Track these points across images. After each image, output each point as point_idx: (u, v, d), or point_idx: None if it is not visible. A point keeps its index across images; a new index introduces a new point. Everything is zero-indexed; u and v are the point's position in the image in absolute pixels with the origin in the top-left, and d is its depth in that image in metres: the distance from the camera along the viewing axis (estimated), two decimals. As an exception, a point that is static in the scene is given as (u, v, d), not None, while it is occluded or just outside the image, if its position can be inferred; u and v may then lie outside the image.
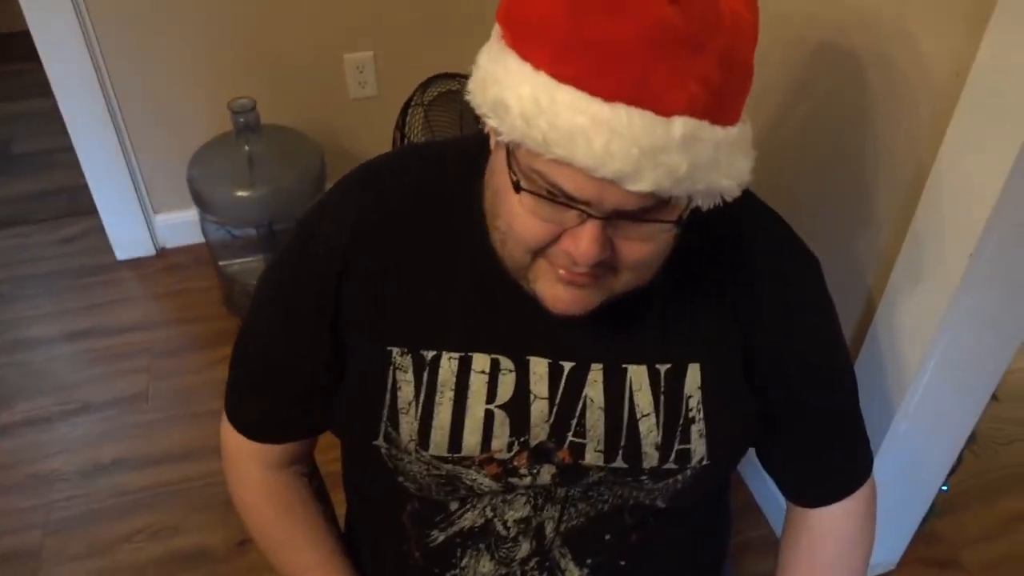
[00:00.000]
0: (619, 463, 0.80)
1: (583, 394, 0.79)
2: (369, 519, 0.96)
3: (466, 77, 0.66)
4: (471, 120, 1.86)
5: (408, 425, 0.79)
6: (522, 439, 0.79)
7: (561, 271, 0.68)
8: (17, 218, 2.41)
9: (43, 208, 2.45)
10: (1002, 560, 1.62)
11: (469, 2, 2.11)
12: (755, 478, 1.69)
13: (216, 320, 2.08)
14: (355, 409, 0.82)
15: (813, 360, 0.85)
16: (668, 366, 0.79)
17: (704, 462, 0.80)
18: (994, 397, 1.27)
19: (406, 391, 0.79)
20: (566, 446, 0.79)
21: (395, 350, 0.78)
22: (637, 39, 0.56)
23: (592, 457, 0.80)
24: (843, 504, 0.91)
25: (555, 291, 0.69)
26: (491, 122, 0.63)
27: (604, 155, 0.57)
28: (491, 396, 0.78)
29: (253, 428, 0.90)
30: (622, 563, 0.87)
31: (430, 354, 0.78)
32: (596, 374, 0.79)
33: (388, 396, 0.79)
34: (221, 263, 2.10)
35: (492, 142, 0.70)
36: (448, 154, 0.84)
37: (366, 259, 0.78)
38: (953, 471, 1.41)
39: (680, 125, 0.58)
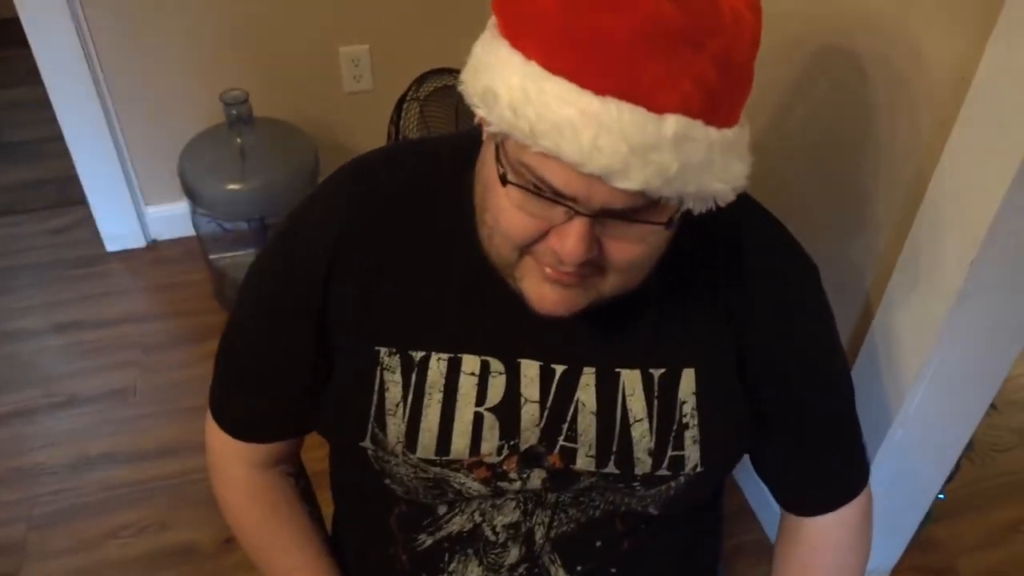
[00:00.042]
0: (611, 469, 0.78)
1: (575, 398, 0.78)
2: (356, 521, 0.95)
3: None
4: (467, 116, 1.85)
5: (395, 427, 0.78)
6: (512, 443, 0.78)
7: (548, 270, 0.66)
8: (5, 208, 2.39)
9: (32, 198, 2.43)
10: (998, 568, 1.62)
11: (467, -4, 2.09)
12: (749, 482, 1.69)
13: (206, 314, 2.06)
14: (342, 410, 0.81)
15: (809, 365, 0.84)
16: (662, 371, 0.78)
17: (698, 469, 0.79)
18: (992, 406, 1.26)
19: (394, 392, 0.77)
20: (557, 450, 0.78)
21: (383, 350, 0.77)
22: (631, 33, 0.54)
23: (583, 462, 0.78)
24: (839, 513, 0.90)
25: (541, 290, 0.68)
26: (480, 112, 0.62)
27: (592, 150, 0.56)
28: (481, 398, 0.77)
29: (238, 427, 0.88)
30: (613, 570, 0.86)
31: (419, 355, 0.77)
32: (588, 378, 0.77)
33: (375, 397, 0.78)
34: (212, 257, 2.09)
35: (484, 134, 0.68)
36: (443, 150, 0.83)
37: (356, 255, 0.77)
38: (950, 479, 1.41)
39: (672, 123, 0.56)
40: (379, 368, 0.77)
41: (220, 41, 2.05)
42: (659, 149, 0.56)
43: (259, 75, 2.09)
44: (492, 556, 0.84)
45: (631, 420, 0.78)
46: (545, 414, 0.78)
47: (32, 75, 1.98)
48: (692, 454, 0.79)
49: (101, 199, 2.18)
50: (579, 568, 0.85)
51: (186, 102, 2.09)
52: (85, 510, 1.66)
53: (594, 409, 0.78)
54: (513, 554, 0.84)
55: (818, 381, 0.85)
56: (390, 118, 1.88)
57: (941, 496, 1.45)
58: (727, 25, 0.57)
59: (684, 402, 0.78)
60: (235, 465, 0.91)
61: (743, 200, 0.68)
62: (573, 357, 0.77)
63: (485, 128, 0.63)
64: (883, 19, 1.08)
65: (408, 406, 0.77)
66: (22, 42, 1.90)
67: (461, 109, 1.88)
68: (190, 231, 2.14)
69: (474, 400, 0.77)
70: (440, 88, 1.90)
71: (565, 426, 0.78)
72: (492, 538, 0.83)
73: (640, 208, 0.61)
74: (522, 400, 0.77)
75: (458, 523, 0.83)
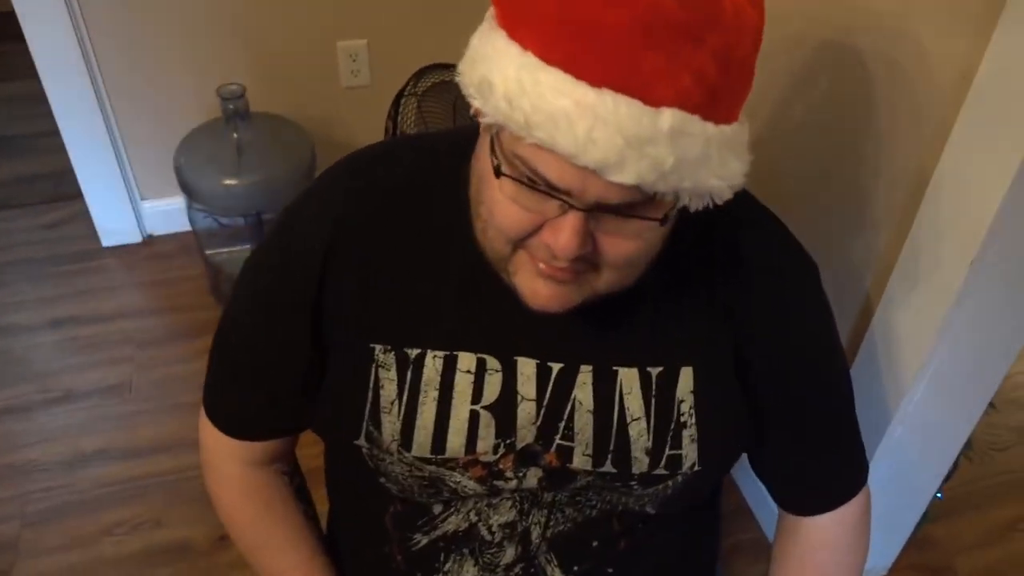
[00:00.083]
0: (608, 468, 0.78)
1: (572, 396, 0.77)
2: (351, 520, 0.94)
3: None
4: (465, 111, 1.84)
5: (390, 425, 0.77)
6: (508, 441, 0.77)
7: (541, 265, 0.66)
8: (0, 202, 2.38)
9: (27, 192, 2.42)
10: (996, 567, 1.62)
11: (466, -9, 2.08)
12: (747, 480, 1.68)
13: (202, 310, 2.06)
14: (336, 407, 0.80)
15: (808, 363, 0.83)
16: (660, 369, 0.77)
17: (695, 468, 0.79)
18: (991, 406, 1.25)
19: (389, 390, 0.76)
20: (553, 449, 0.78)
21: (378, 347, 0.76)
22: (629, 24, 0.54)
23: (580, 461, 0.78)
24: (836, 513, 0.89)
25: (534, 285, 0.67)
26: (476, 103, 0.61)
27: (587, 142, 0.55)
28: (476, 396, 0.76)
29: (232, 424, 0.88)
30: (610, 570, 0.85)
31: (414, 352, 0.76)
32: (585, 376, 0.77)
33: (370, 395, 0.77)
34: (208, 252, 2.08)
35: (480, 126, 0.67)
36: (440, 146, 0.82)
37: (353, 250, 0.76)
38: (948, 478, 1.40)
39: (669, 117, 0.55)
40: (374, 365, 0.76)
41: (217, 35, 2.04)
42: (655, 143, 0.56)
43: (256, 70, 2.08)
44: (488, 556, 0.83)
45: (628, 419, 0.77)
46: (542, 412, 0.77)
47: (28, 69, 1.97)
48: (690, 453, 0.78)
49: (97, 194, 2.17)
50: (575, 568, 0.84)
51: (182, 97, 2.08)
52: (79, 507, 1.65)
53: (591, 408, 0.77)
54: (509, 554, 0.83)
55: (817, 380, 0.85)
56: (388, 113, 1.87)
57: (939, 495, 1.45)
58: (728, 20, 0.56)
59: (682, 401, 0.77)
60: (229, 463, 0.90)
61: (742, 197, 0.67)
62: (570, 355, 0.77)
63: (480, 119, 0.62)
64: (885, 17, 1.07)
65: (403, 404, 0.76)
66: (18, 36, 1.88)
67: (459, 105, 1.87)
68: (186, 226, 2.13)
69: (470, 398, 0.76)
70: (438, 83, 1.89)
71: (562, 424, 0.77)
72: (488, 538, 0.83)
73: (635, 203, 0.60)
74: (518, 398, 0.77)
75: (454, 522, 0.83)
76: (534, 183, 0.60)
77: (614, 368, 0.77)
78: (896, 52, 1.07)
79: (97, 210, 2.20)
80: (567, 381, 0.77)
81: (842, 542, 0.91)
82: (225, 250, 2.09)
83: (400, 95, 1.87)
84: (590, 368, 0.77)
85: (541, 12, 0.56)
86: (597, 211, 0.60)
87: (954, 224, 1.01)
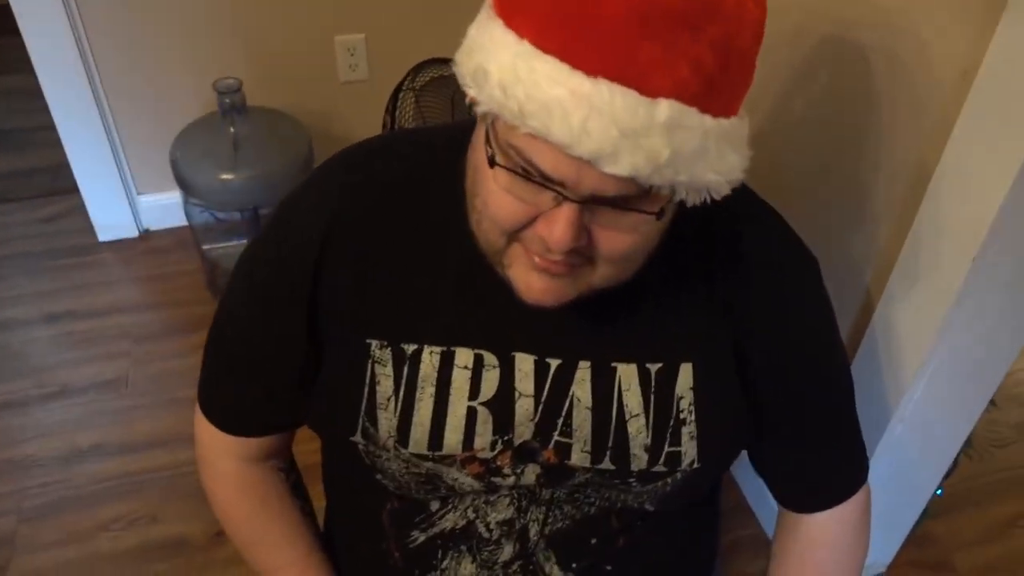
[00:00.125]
0: (606, 464, 0.77)
1: (570, 392, 0.76)
2: (347, 516, 0.94)
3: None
4: (463, 106, 1.83)
5: (387, 421, 0.76)
6: (506, 438, 0.77)
7: (536, 258, 0.65)
8: (-3, 196, 2.38)
9: (23, 186, 2.41)
10: (995, 564, 1.61)
11: (464, -15, 2.07)
12: (746, 477, 1.68)
13: (199, 305, 2.05)
14: (332, 403, 0.80)
15: (807, 359, 0.83)
16: (659, 365, 0.77)
17: (695, 465, 0.78)
18: (992, 403, 1.25)
19: (385, 386, 0.76)
20: (551, 446, 0.77)
21: (374, 343, 0.76)
22: (626, 13, 0.53)
23: (578, 458, 0.77)
24: (837, 511, 0.89)
25: (528, 279, 0.67)
26: (471, 91, 0.60)
27: (581, 132, 0.54)
28: (474, 393, 0.76)
29: (228, 419, 0.87)
30: (608, 568, 0.85)
31: (411, 348, 0.75)
32: (584, 372, 0.76)
33: (366, 391, 0.76)
34: (205, 247, 2.07)
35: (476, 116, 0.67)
36: (438, 140, 0.81)
37: (349, 244, 0.76)
38: (948, 475, 1.40)
39: (665, 108, 0.55)
40: (370, 361, 0.76)
41: (214, 29, 2.03)
42: (650, 134, 0.55)
43: (253, 64, 2.07)
44: (486, 553, 0.83)
45: (627, 415, 0.76)
46: (540, 409, 0.76)
47: (24, 63, 1.96)
48: (689, 450, 0.77)
49: (93, 188, 2.17)
50: (574, 565, 0.83)
51: (179, 90, 2.07)
52: (75, 503, 1.65)
53: (589, 404, 0.76)
54: (507, 551, 0.83)
55: (817, 376, 0.84)
56: (386, 108, 1.87)
57: (939, 492, 1.45)
58: (728, 11, 0.55)
59: (681, 397, 0.77)
60: (224, 459, 0.90)
61: (741, 192, 0.66)
62: (568, 351, 0.76)
63: (475, 109, 0.61)
64: (887, 12, 1.06)
65: (400, 400, 0.76)
66: (13, 30, 1.87)
67: (457, 99, 1.86)
68: (183, 221, 2.13)
69: (467, 394, 0.76)
70: (436, 78, 1.89)
71: (560, 421, 0.77)
72: (486, 535, 0.82)
73: (631, 196, 0.59)
74: (516, 394, 0.76)
75: (451, 520, 0.82)
76: (528, 174, 0.60)
77: (613, 364, 0.76)
78: (898, 47, 1.06)
79: (93, 205, 2.20)
80: (565, 377, 0.76)
81: (842, 540, 0.91)
82: (221, 245, 2.08)
83: (398, 90, 1.87)
84: (588, 364, 0.76)
85: (538, 0, 0.56)
86: (592, 203, 0.60)
87: (956, 220, 1.00)
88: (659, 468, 0.78)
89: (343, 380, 0.78)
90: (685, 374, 0.77)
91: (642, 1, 0.53)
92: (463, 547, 0.83)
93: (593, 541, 0.83)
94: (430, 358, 0.75)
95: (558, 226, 0.60)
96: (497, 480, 0.78)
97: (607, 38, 0.54)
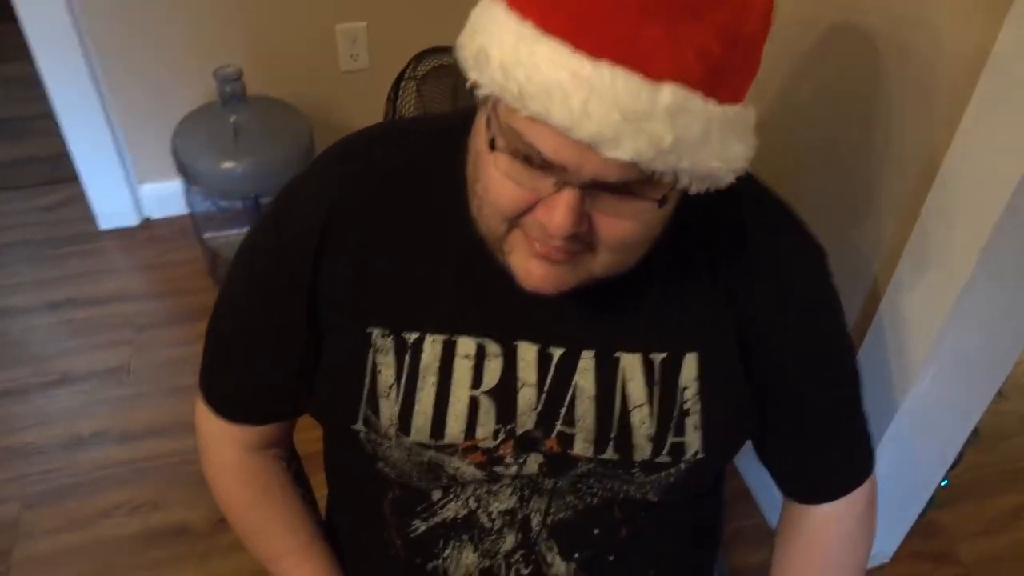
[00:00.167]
0: (610, 454, 0.77)
1: (573, 382, 0.76)
2: (349, 505, 0.94)
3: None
4: (465, 95, 1.81)
5: (388, 410, 0.76)
6: (508, 427, 0.76)
7: (536, 245, 0.64)
8: (-3, 184, 2.37)
9: (23, 175, 2.40)
10: (1000, 555, 1.61)
11: (466, -27, 2.06)
12: (749, 466, 1.68)
13: (200, 293, 2.05)
14: (333, 392, 0.80)
15: (813, 350, 0.82)
16: (663, 355, 0.76)
17: (699, 456, 0.78)
18: (999, 394, 1.24)
19: (386, 374, 0.76)
20: (554, 435, 0.77)
21: (375, 331, 0.75)
22: None
23: (581, 447, 0.77)
24: (842, 502, 0.88)
25: (528, 266, 0.66)
26: (472, 74, 0.59)
27: (582, 115, 0.54)
28: (476, 382, 0.75)
29: (229, 408, 0.87)
30: (611, 558, 0.84)
31: (412, 336, 0.75)
32: (587, 362, 0.76)
33: (368, 379, 0.76)
34: (206, 235, 2.07)
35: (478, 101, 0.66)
36: (439, 128, 0.81)
37: (349, 233, 0.75)
38: (954, 466, 1.40)
39: (669, 93, 0.54)
40: (371, 350, 0.75)
41: (214, 16, 2.01)
42: (653, 119, 0.54)
43: (253, 52, 2.06)
44: (487, 543, 0.82)
45: (631, 405, 0.76)
46: (542, 398, 0.76)
47: (22, 51, 1.95)
48: (693, 440, 0.77)
49: (93, 176, 2.16)
50: (576, 555, 0.83)
51: (179, 79, 2.06)
52: (78, 489, 1.65)
53: (592, 394, 0.76)
54: (509, 541, 0.82)
55: (823, 367, 0.83)
56: (387, 97, 1.86)
57: (944, 483, 1.44)
58: None
59: (686, 388, 0.76)
60: (226, 448, 0.90)
61: (747, 180, 0.66)
62: (571, 340, 0.76)
63: (476, 92, 0.60)
64: (897, -3, 1.06)
65: (401, 389, 0.75)
66: (11, 17, 1.86)
67: (459, 89, 1.85)
68: (184, 209, 2.12)
69: (469, 383, 0.75)
70: (438, 67, 1.87)
71: (563, 411, 0.76)
72: (487, 525, 0.82)
73: (633, 182, 0.59)
74: (519, 384, 0.76)
75: (453, 509, 0.82)
76: (529, 159, 0.59)
77: (616, 354, 0.76)
78: (908, 34, 1.05)
79: (94, 193, 2.19)
80: (568, 367, 0.76)
81: (846, 530, 0.90)
82: (223, 233, 2.08)
83: (399, 79, 1.86)
84: (592, 354, 0.76)
85: None
86: (593, 189, 0.59)
87: (964, 210, 0.99)
88: (663, 459, 0.77)
89: (344, 369, 0.77)
90: (689, 364, 0.76)
91: None
92: (465, 537, 0.83)
93: (596, 531, 0.83)
94: (432, 347, 0.75)
95: (558, 211, 0.59)
96: (499, 469, 0.78)
97: (609, 20, 0.53)
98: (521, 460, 0.78)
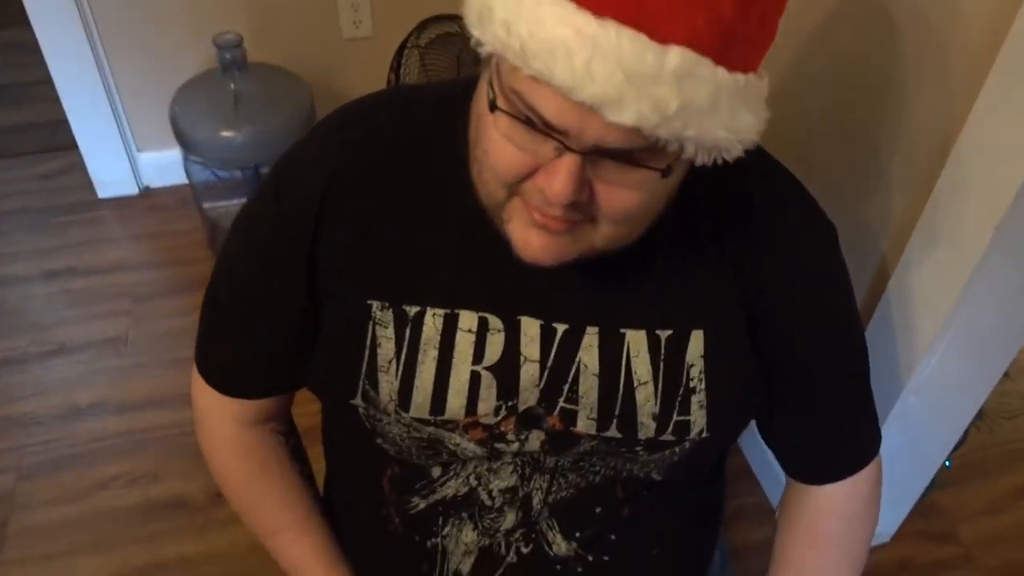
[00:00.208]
0: (612, 432, 0.75)
1: (577, 359, 0.74)
2: (348, 481, 0.93)
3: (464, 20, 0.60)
4: (469, 64, 1.80)
5: (388, 385, 0.75)
6: (510, 403, 0.75)
7: (535, 214, 0.62)
8: (-6, 151, 2.35)
9: (21, 142, 2.38)
10: (1003, 535, 1.61)
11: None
12: (751, 444, 1.67)
13: (199, 263, 2.04)
14: (332, 366, 0.78)
15: (820, 327, 0.80)
16: (669, 332, 0.74)
17: (704, 434, 0.76)
18: (1005, 374, 1.23)
19: (386, 348, 0.74)
20: (556, 412, 0.75)
21: (375, 304, 0.74)
22: None
23: (584, 425, 0.75)
24: (848, 483, 0.87)
25: (526, 235, 0.64)
26: (475, 31, 0.57)
27: (584, 75, 0.52)
28: (478, 357, 0.74)
29: (227, 381, 0.86)
30: (612, 537, 0.83)
31: (413, 310, 0.73)
32: (591, 338, 0.74)
33: (367, 353, 0.75)
34: (206, 205, 2.05)
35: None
36: (441, 96, 0.79)
37: (347, 201, 0.73)
38: (958, 446, 1.39)
39: (676, 56, 0.52)
40: (371, 323, 0.74)
41: (214, -19, 1.98)
42: (658, 82, 0.52)
43: (254, 18, 2.03)
44: (488, 521, 0.82)
45: (635, 383, 0.74)
46: (545, 374, 0.74)
47: (21, 16, 1.92)
48: (698, 419, 0.76)
49: (92, 144, 2.14)
50: (577, 534, 0.82)
51: (179, 45, 2.03)
52: (75, 460, 1.65)
53: (597, 371, 0.74)
54: (509, 519, 0.81)
55: (830, 342, 0.82)
56: (390, 66, 1.83)
57: (947, 463, 1.44)
58: None
59: (692, 365, 0.75)
60: (223, 423, 0.89)
61: (756, 152, 0.63)
62: (576, 316, 0.74)
63: (479, 50, 0.58)
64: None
65: (401, 363, 0.74)
66: (7, -20, 1.84)
67: (463, 57, 1.83)
68: (184, 179, 2.10)
69: (471, 358, 0.74)
70: (442, 35, 1.85)
71: (566, 387, 0.75)
72: (488, 502, 0.81)
73: (636, 150, 0.57)
74: (522, 359, 0.74)
75: (453, 486, 0.81)
76: (530, 121, 0.57)
77: (621, 331, 0.74)
78: (925, 5, 1.02)
79: (92, 161, 2.17)
80: (572, 343, 0.74)
81: (850, 511, 0.89)
82: (223, 203, 2.05)
83: (403, 47, 1.83)
84: (596, 330, 0.74)
85: None
86: (595, 156, 0.57)
87: (979, 186, 0.97)
88: (667, 437, 0.76)
89: (343, 341, 0.76)
90: (696, 341, 0.75)
91: None
92: (464, 514, 0.82)
93: (597, 510, 0.82)
94: (433, 320, 0.73)
95: (558, 177, 0.58)
96: (500, 446, 0.77)
97: None
98: (523, 437, 0.76)
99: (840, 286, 0.81)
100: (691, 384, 0.75)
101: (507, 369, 0.74)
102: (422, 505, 0.82)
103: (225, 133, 1.82)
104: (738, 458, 1.68)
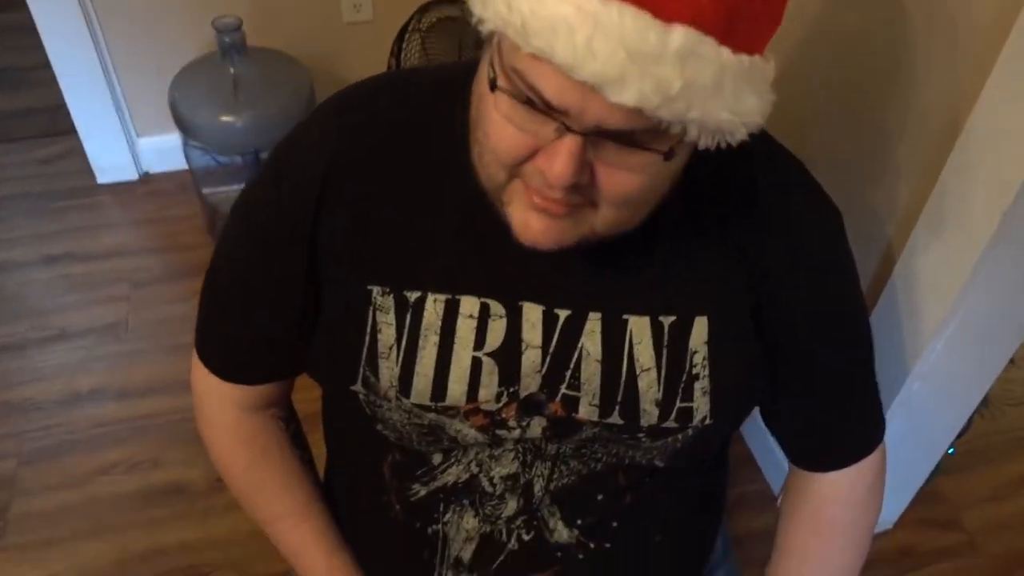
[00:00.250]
0: (615, 419, 0.75)
1: (579, 345, 0.74)
2: (348, 467, 0.93)
3: (465, 3, 0.59)
4: (470, 48, 1.79)
5: (388, 370, 0.74)
6: (511, 390, 0.74)
7: (535, 198, 0.61)
8: (-8, 136, 2.34)
9: (21, 126, 2.37)
10: (1007, 522, 1.61)
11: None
12: (753, 431, 1.67)
13: (199, 249, 2.03)
14: (332, 351, 0.78)
15: (825, 313, 0.79)
16: (673, 319, 0.74)
17: (707, 421, 0.76)
18: (1011, 361, 1.23)
19: (387, 334, 0.73)
20: (558, 399, 0.75)
21: (375, 289, 0.73)
22: None
23: (586, 411, 0.75)
24: (852, 470, 0.86)
25: (526, 217, 0.63)
26: (476, 8, 0.57)
27: (586, 52, 0.51)
28: (479, 343, 0.73)
29: (227, 367, 0.85)
30: (614, 524, 0.83)
31: (414, 295, 0.73)
32: (594, 324, 0.73)
33: (367, 339, 0.74)
34: (205, 190, 2.04)
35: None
36: (441, 79, 0.77)
37: (346, 186, 0.73)
38: (962, 433, 1.38)
39: (680, 35, 0.50)
40: (371, 308, 0.73)
41: (213, -37, 1.97)
42: (661, 61, 0.51)
43: (254, 2, 2.02)
44: (489, 508, 0.81)
45: (638, 369, 0.74)
46: (547, 360, 0.74)
47: (16, -2, 1.91)
48: (701, 406, 0.75)
49: (91, 129, 2.13)
50: (579, 522, 0.82)
51: (178, 28, 2.02)
52: (76, 446, 1.65)
53: (599, 357, 0.74)
54: (511, 506, 0.81)
55: (834, 327, 0.81)
56: (391, 50, 1.82)
57: (951, 450, 1.43)
58: None
59: (695, 352, 0.74)
60: (223, 409, 0.88)
61: (761, 137, 0.62)
62: (578, 302, 0.73)
63: (480, 28, 0.57)
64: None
65: (402, 349, 0.73)
66: (6, -38, 1.82)
67: (464, 41, 1.82)
68: (183, 164, 2.09)
69: (472, 344, 0.73)
70: (443, 19, 1.84)
71: (568, 373, 0.74)
72: (489, 489, 0.80)
73: (638, 132, 0.56)
74: (523, 345, 0.73)
75: (454, 473, 0.80)
76: (531, 102, 0.56)
77: (624, 316, 0.73)
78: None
79: (91, 146, 2.16)
80: (574, 329, 0.73)
81: (855, 498, 0.88)
82: (223, 189, 2.05)
83: (404, 31, 1.82)
84: (599, 316, 0.73)
85: None
86: (596, 137, 0.56)
87: (988, 170, 0.96)
88: (670, 424, 0.75)
89: (343, 326, 0.75)
90: (700, 327, 0.74)
91: None
92: (465, 501, 0.81)
93: (599, 497, 0.81)
94: (434, 306, 0.73)
95: (559, 159, 0.57)
96: (502, 433, 0.76)
97: None
98: (524, 423, 0.76)
99: (845, 272, 0.80)
100: (694, 371, 0.74)
101: (508, 355, 0.73)
102: (423, 492, 0.82)
103: (224, 118, 1.81)
104: (740, 445, 1.68)
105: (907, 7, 1.06)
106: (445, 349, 0.73)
